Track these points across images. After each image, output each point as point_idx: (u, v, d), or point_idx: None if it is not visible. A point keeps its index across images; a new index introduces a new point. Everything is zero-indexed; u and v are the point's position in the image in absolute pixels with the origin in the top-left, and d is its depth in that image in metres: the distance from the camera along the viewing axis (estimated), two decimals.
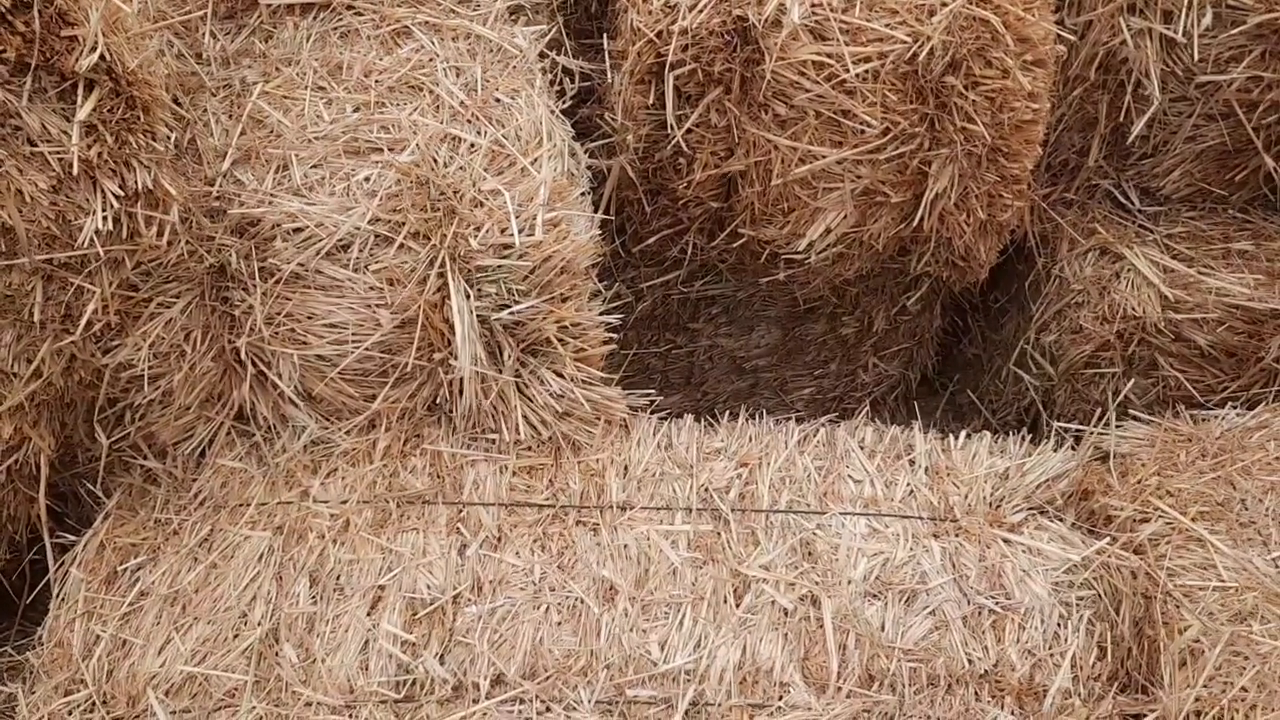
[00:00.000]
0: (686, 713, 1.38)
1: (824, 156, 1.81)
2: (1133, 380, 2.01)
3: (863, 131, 1.79)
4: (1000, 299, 2.37)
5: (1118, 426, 1.78)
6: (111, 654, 1.47)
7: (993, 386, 2.38)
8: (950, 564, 1.55)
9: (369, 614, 1.48)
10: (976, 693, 1.43)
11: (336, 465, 1.66)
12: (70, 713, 1.43)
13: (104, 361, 1.52)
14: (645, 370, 2.39)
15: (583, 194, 1.72)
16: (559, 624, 1.47)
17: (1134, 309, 1.98)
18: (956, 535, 1.59)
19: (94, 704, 1.43)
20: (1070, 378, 2.11)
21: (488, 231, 1.58)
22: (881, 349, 2.43)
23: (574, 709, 1.39)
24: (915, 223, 1.93)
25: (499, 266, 1.59)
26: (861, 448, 1.72)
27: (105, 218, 1.34)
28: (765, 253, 1.98)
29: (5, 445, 1.52)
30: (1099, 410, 1.82)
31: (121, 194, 1.34)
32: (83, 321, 1.38)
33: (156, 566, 1.56)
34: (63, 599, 1.55)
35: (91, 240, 1.35)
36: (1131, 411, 1.87)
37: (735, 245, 2.00)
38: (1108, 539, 1.58)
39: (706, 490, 1.64)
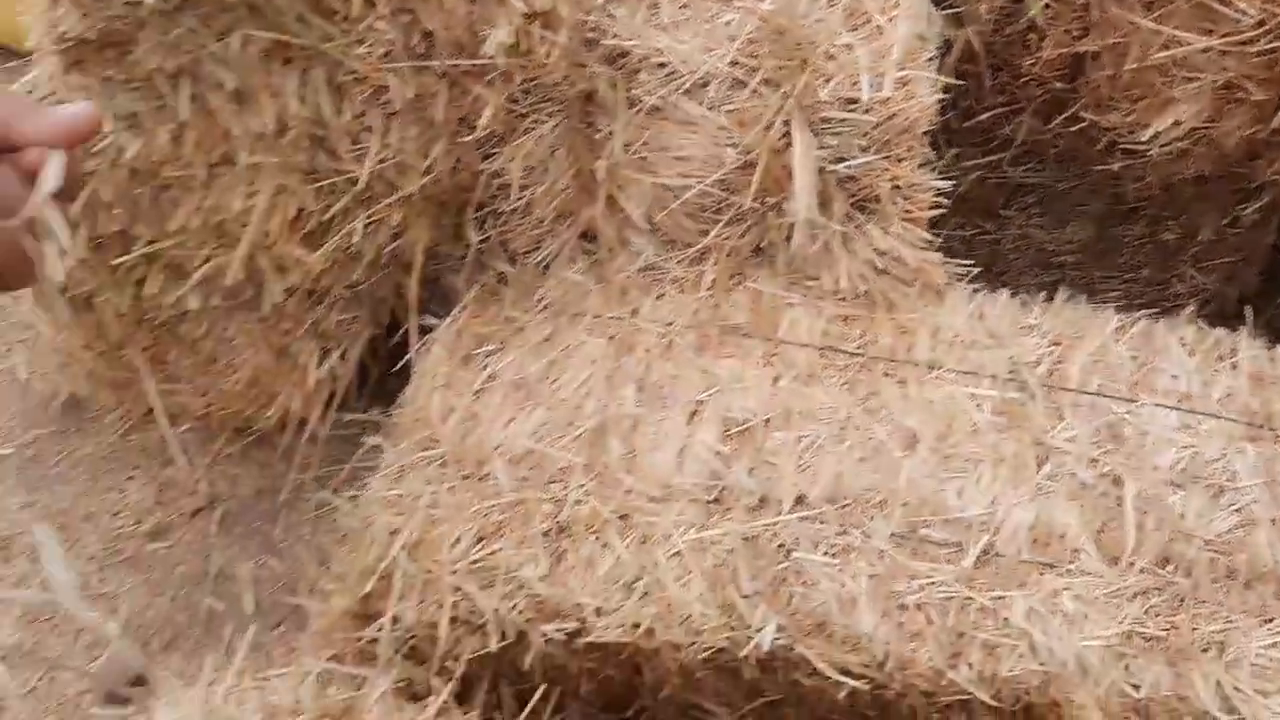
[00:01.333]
0: (978, 558, 1.45)
1: (1189, 44, 1.75)
2: None
3: (1237, 21, 1.71)
4: None
5: None
6: (463, 423, 1.68)
7: None
8: (1264, 469, 1.53)
9: (687, 423, 1.62)
10: (1277, 592, 1.42)
11: (666, 290, 1.80)
12: (426, 465, 1.65)
13: (482, 167, 1.70)
14: (948, 253, 2.40)
15: (930, 59, 1.74)
16: (860, 460, 1.56)
17: None
18: (1276, 443, 1.56)
19: (446, 462, 1.65)
20: None
21: (837, 84, 1.64)
22: (1202, 260, 2.34)
23: (870, 536, 1.48)
24: (1273, 125, 1.84)
25: (843, 120, 1.65)
26: (1182, 345, 1.70)
27: (508, 31, 1.49)
28: (1102, 141, 1.94)
29: (392, 232, 1.74)
30: None
31: (525, 11, 1.49)
32: (480, 123, 1.55)
33: (504, 356, 1.75)
34: (425, 371, 1.77)
35: (494, 52, 1.50)
36: None
37: (1071, 130, 1.97)
38: None
39: (1015, 363, 1.67)
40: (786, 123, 1.65)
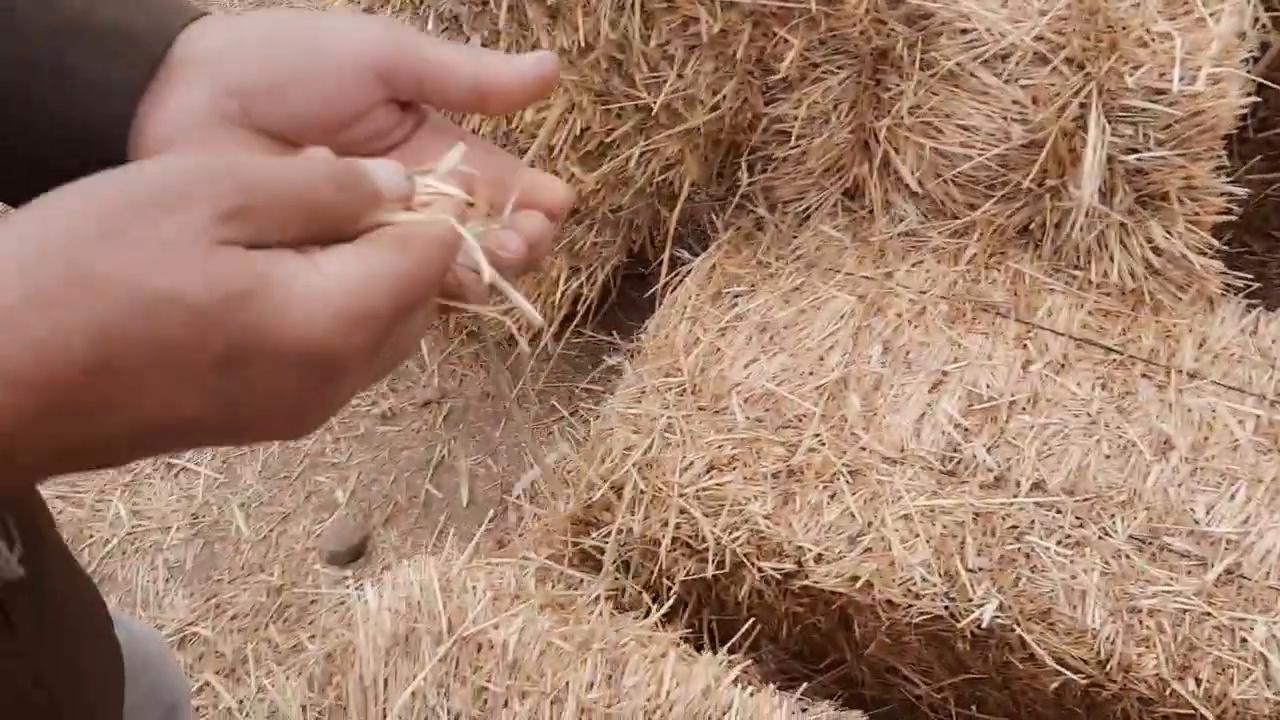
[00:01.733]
0: (1221, 575, 1.41)
1: None
2: None
3: None
4: None
5: None
6: (706, 356, 1.73)
7: None
8: None
9: (930, 391, 1.62)
10: None
11: (924, 258, 1.79)
12: (666, 390, 1.70)
13: (765, 110, 1.73)
14: None
15: (1244, 59, 1.66)
16: (1107, 457, 1.53)
17: None
18: None
19: (685, 390, 1.70)
20: None
21: (1145, 72, 1.59)
22: None
23: (1108, 535, 1.45)
24: None
25: (1144, 110, 1.60)
26: None
27: None
28: None
29: (665, 163, 1.79)
30: None
31: None
32: (782, 66, 1.57)
33: (754, 298, 1.79)
34: (675, 300, 1.82)
35: None
36: None
37: None
38: None
39: None
40: (1084, 105, 1.61)
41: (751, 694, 1.26)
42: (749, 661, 1.61)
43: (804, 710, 1.28)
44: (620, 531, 1.59)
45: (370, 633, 1.39)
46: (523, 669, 1.30)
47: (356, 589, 1.52)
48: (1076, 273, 1.73)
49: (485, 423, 2.30)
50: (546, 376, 2.35)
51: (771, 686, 1.31)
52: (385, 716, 1.32)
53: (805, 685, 1.69)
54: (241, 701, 1.87)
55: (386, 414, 2.32)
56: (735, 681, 1.34)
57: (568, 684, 1.27)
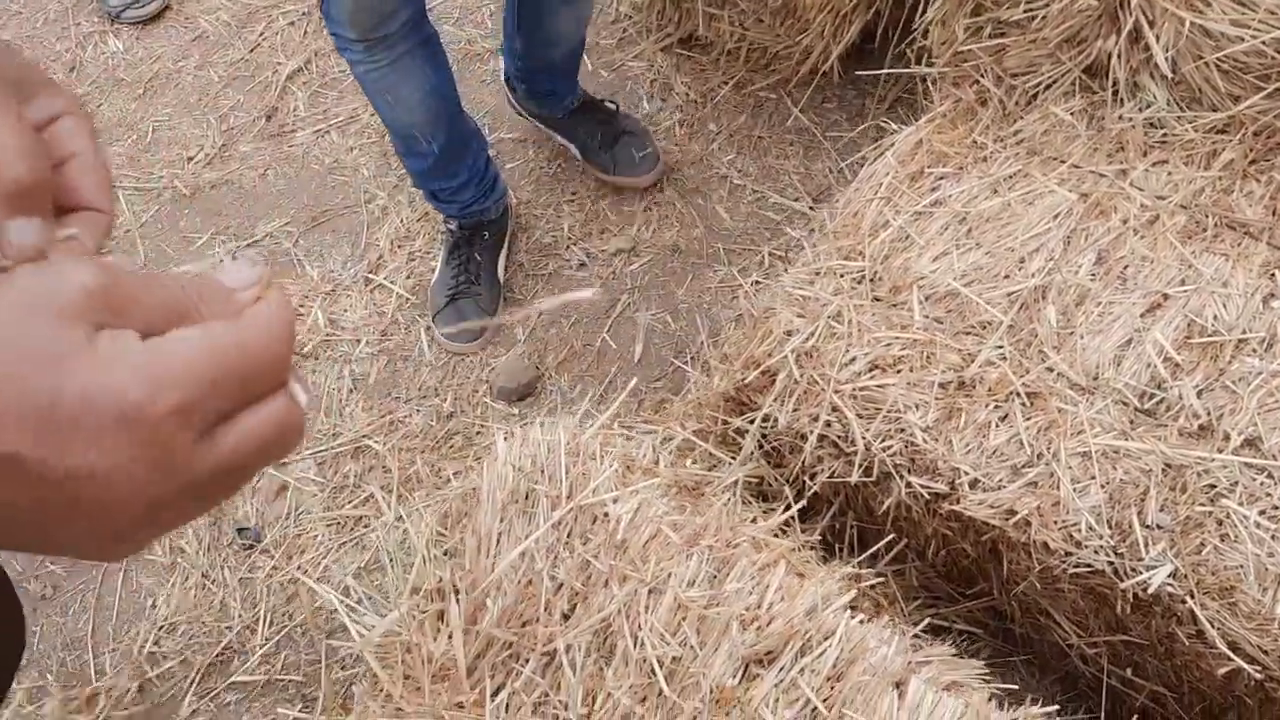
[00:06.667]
0: None
1: None
2: None
3: None
4: None
5: None
6: (893, 242, 1.57)
7: None
8: None
9: (1143, 315, 1.41)
10: None
11: (1169, 157, 1.53)
12: (842, 275, 1.57)
13: None
14: None
15: None
16: None
17: None
18: None
19: (864, 277, 1.56)
20: None
21: None
22: None
23: None
24: None
25: None
26: None
27: None
28: None
29: None
30: None
31: None
32: None
33: (959, 183, 1.59)
34: (870, 176, 1.66)
35: None
36: None
37: None
38: None
39: None
40: None
41: (861, 621, 1.17)
42: (878, 578, 1.52)
43: (915, 649, 1.18)
44: (766, 420, 1.50)
45: (492, 486, 1.38)
46: (629, 551, 1.26)
47: (503, 435, 1.51)
48: None
49: (671, 280, 2.23)
50: (743, 227, 2.25)
51: (885, 618, 1.21)
52: (494, 570, 1.32)
53: (934, 612, 1.58)
54: (399, 518, 1.95)
55: (576, 261, 2.29)
56: (853, 605, 1.25)
57: (670, 576, 1.22)
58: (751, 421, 1.50)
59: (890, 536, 1.48)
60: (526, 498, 1.37)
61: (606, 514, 1.32)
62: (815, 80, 2.40)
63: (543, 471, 1.38)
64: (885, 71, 2.05)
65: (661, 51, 2.60)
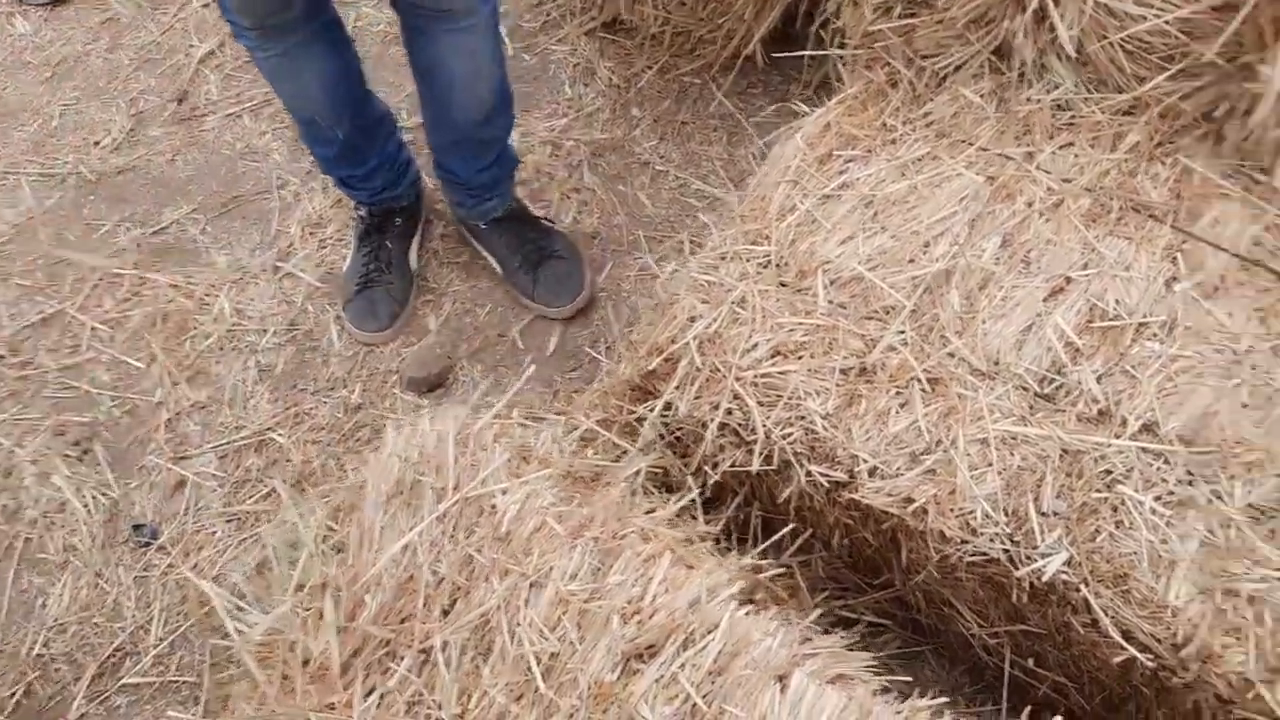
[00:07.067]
0: None
1: None
2: None
3: None
4: None
5: None
6: (800, 226, 1.53)
7: None
8: None
9: (1045, 300, 1.38)
10: None
11: (1075, 139, 1.51)
12: (748, 260, 1.53)
13: None
14: None
15: None
16: (1244, 406, 1.27)
17: None
18: None
19: (770, 262, 1.52)
20: None
21: None
22: None
23: (1220, 497, 1.21)
24: None
25: None
26: None
27: None
28: None
29: None
30: None
31: None
32: None
33: (868, 166, 1.56)
34: (778, 159, 1.62)
35: None
36: None
37: None
38: None
39: None
40: None
41: (748, 614, 1.13)
42: (783, 569, 1.49)
43: (806, 641, 1.15)
44: (668, 408, 1.46)
45: (377, 478, 1.33)
46: (512, 544, 1.21)
47: (394, 426, 1.46)
48: (1261, 178, 1.42)
49: (590, 267, 2.18)
50: (664, 214, 2.21)
51: (774, 610, 1.17)
52: (375, 565, 1.26)
53: (842, 602, 1.55)
54: (303, 515, 1.88)
55: None
56: (751, 598, 1.22)
57: (552, 569, 1.17)
58: (652, 409, 1.46)
59: (792, 526, 1.44)
60: (412, 490, 1.32)
61: (494, 506, 1.27)
62: (739, 64, 2.36)
63: (430, 463, 1.33)
64: (801, 54, 2.02)
65: (585, 35, 2.55)
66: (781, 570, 1.52)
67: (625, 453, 1.52)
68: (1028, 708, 1.25)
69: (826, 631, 1.37)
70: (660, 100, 2.42)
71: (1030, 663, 1.41)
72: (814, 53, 1.78)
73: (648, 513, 1.33)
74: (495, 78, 1.84)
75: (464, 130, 1.90)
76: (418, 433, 1.36)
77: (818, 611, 1.26)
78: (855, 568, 1.56)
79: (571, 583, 1.15)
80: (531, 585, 1.17)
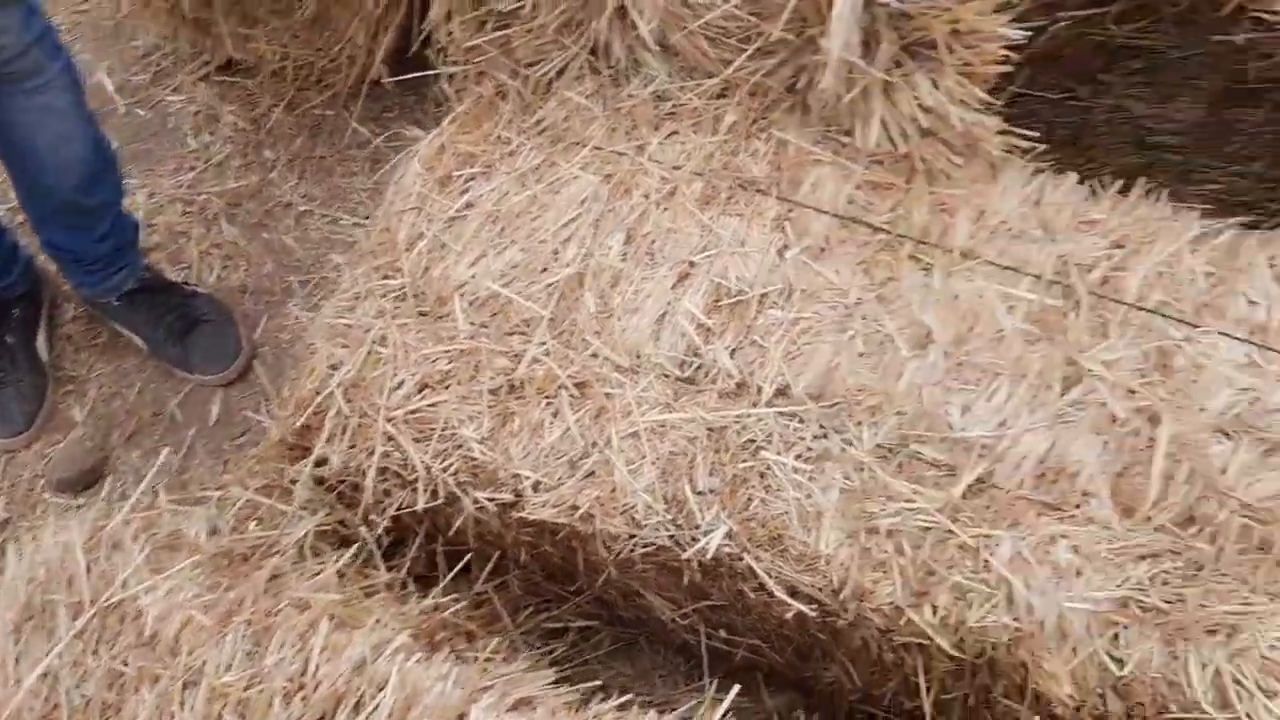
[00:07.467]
0: (969, 487, 1.27)
1: None
2: None
3: None
4: None
5: None
6: (430, 253, 1.51)
7: None
8: None
9: (673, 287, 1.43)
10: None
11: (679, 128, 1.56)
12: (383, 295, 1.49)
13: None
14: (1030, 116, 2.10)
15: None
16: (860, 355, 1.36)
17: None
18: None
19: (405, 294, 1.49)
20: None
21: None
22: None
23: (852, 444, 1.30)
24: None
25: None
26: (1271, 265, 1.43)
27: None
28: (1230, 4, 1.61)
29: None
30: None
31: None
32: None
33: (489, 181, 1.56)
34: (399, 188, 1.59)
35: None
36: None
37: None
38: None
39: (1066, 263, 1.42)
40: None
41: (418, 661, 1.10)
42: (480, 598, 1.47)
43: (485, 672, 1.13)
44: (322, 463, 1.40)
45: (2, 607, 1.20)
46: (159, 646, 1.12)
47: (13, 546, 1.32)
48: (846, 140, 1.52)
49: (243, 324, 2.07)
50: (315, 255, 2.13)
51: (446, 651, 1.15)
52: (13, 701, 1.14)
53: (547, 615, 1.55)
54: None
55: None
56: (422, 640, 1.19)
57: (204, 664, 1.10)
58: (302, 470, 1.40)
59: (469, 556, 1.43)
60: (44, 611, 1.20)
61: (139, 609, 1.18)
62: (366, 90, 2.31)
63: (60, 578, 1.21)
64: (416, 75, 1.99)
65: (201, 81, 2.41)
66: (477, 600, 1.51)
67: (292, 517, 1.46)
68: (724, 673, 1.29)
69: (533, 648, 1.36)
70: (293, 137, 2.33)
71: (723, 633, 1.46)
72: (426, 73, 1.75)
73: (316, 575, 1.28)
74: (86, 139, 1.71)
75: (62, 197, 1.75)
76: (41, 547, 1.24)
77: (495, 640, 1.25)
78: (551, 579, 1.56)
79: (226, 674, 1.08)
80: (185, 686, 1.09)
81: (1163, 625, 1.18)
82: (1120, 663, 1.16)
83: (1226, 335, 1.37)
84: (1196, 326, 1.37)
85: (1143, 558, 1.22)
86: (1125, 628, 1.18)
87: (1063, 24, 1.84)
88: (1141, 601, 1.19)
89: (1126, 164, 2.13)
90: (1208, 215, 1.51)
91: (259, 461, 1.55)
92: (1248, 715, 1.13)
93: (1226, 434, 1.29)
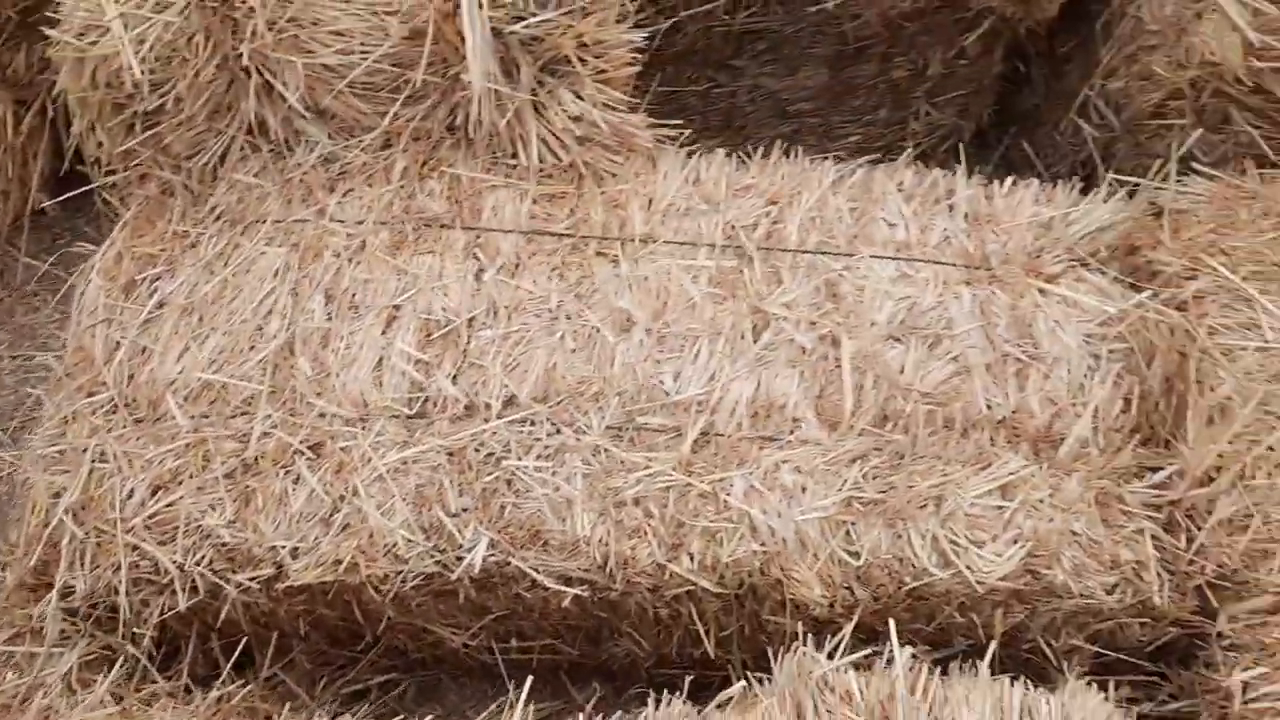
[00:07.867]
0: (696, 441, 1.38)
1: None
2: (1200, 132, 1.87)
3: None
4: (1068, 44, 2.20)
5: (1178, 181, 1.67)
6: (132, 359, 1.49)
7: (1050, 139, 2.25)
8: (979, 311, 1.50)
9: (383, 333, 1.47)
10: (992, 437, 1.41)
11: (353, 185, 1.61)
12: (94, 413, 1.46)
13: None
14: (684, 110, 2.28)
15: None
16: (573, 351, 1.46)
17: (1212, 54, 1.82)
18: (990, 284, 1.53)
19: (116, 406, 1.46)
20: (1133, 129, 1.97)
21: None
22: (935, 95, 2.29)
23: (584, 432, 1.39)
24: None
25: None
26: (899, 190, 1.64)
27: None
28: None
29: None
30: (1159, 164, 1.71)
31: None
32: None
33: (174, 277, 1.55)
34: (84, 306, 1.55)
35: None
36: (1195, 165, 1.75)
37: None
38: (1149, 293, 1.51)
39: (733, 227, 1.57)
40: None
41: None
42: (267, 683, 1.46)
43: None
44: (67, 593, 1.36)
45: None
46: None
47: None
48: (513, 163, 1.61)
49: None
50: (13, 400, 2.02)
51: None
52: None
53: (344, 679, 1.56)
54: None
55: None
56: None
57: None
58: (50, 604, 1.35)
59: (245, 642, 1.41)
60: None
61: None
62: (31, 221, 2.22)
63: None
64: (70, 195, 1.93)
65: None
66: (269, 684, 1.49)
67: (49, 656, 1.40)
68: (529, 677, 1.33)
69: (338, 716, 1.37)
70: None
71: (515, 642, 1.52)
72: (86, 188, 1.72)
73: (83, 705, 1.23)
74: None
75: None
76: None
77: (298, 717, 1.25)
78: (337, 643, 1.57)
79: None
80: None
81: (883, 513, 1.33)
82: (856, 555, 1.30)
83: (878, 256, 1.56)
84: (852, 255, 1.55)
85: (853, 461, 1.37)
86: (853, 524, 1.32)
87: (688, 21, 2.02)
88: (860, 498, 1.34)
89: (778, 133, 2.35)
90: (839, 161, 1.71)
91: (3, 612, 1.47)
92: (968, 567, 1.29)
93: (897, 339, 1.47)
